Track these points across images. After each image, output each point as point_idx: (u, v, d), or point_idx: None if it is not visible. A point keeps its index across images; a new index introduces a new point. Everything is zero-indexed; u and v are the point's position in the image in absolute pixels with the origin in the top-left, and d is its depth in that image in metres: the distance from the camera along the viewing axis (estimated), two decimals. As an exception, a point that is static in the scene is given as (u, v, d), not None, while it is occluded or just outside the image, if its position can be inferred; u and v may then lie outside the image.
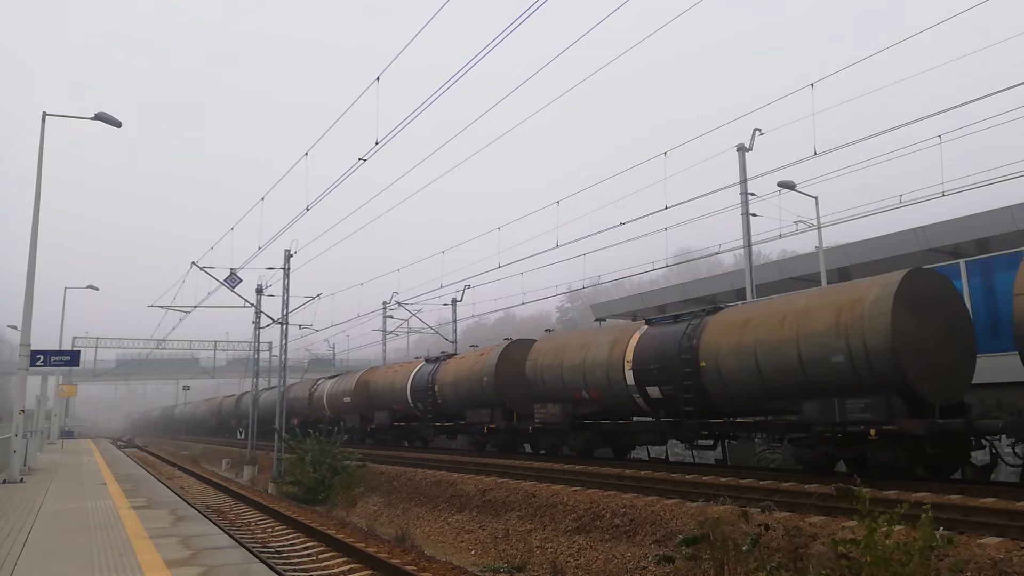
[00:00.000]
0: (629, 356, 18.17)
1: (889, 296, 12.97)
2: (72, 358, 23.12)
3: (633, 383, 17.95)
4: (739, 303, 19.93)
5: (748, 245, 23.58)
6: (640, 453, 22.58)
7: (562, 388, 20.61)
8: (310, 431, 25.39)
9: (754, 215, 23.67)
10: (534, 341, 24.01)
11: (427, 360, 30.54)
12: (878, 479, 12.38)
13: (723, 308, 17.27)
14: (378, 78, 17.37)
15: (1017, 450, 13.13)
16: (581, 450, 20.67)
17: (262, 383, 40.72)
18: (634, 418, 19.39)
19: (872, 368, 12.94)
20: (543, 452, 22.87)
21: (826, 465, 14.51)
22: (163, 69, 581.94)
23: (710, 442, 18.25)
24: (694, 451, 19.46)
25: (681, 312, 18.52)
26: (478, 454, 25.64)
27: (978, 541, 8.52)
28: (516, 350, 24.38)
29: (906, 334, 12.78)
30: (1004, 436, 12.71)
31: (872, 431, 12.98)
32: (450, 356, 29.23)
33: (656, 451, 22.63)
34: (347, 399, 36.17)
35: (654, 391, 17.48)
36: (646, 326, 18.74)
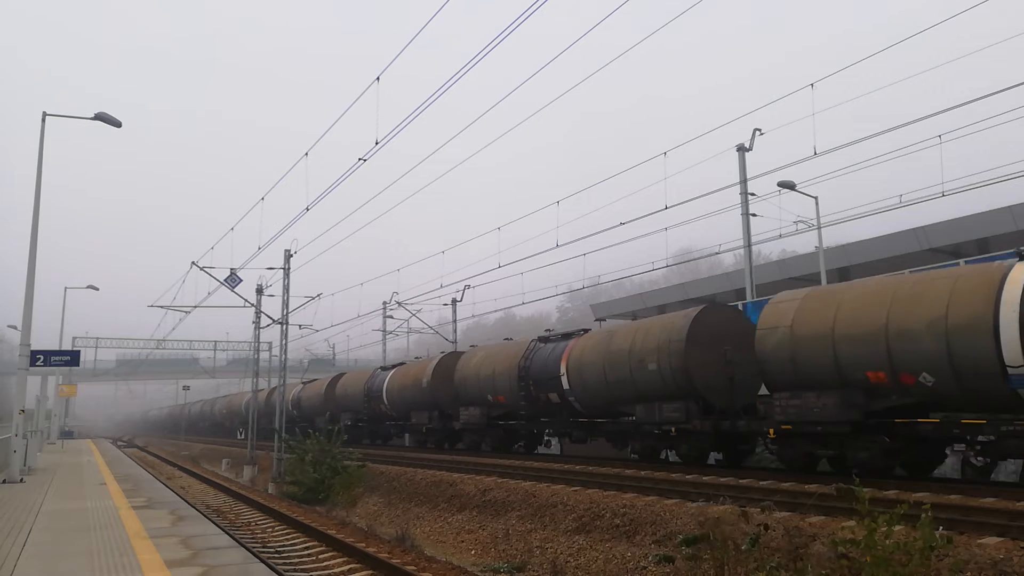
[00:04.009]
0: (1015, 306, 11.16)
1: None
2: (72, 358, 23.14)
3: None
4: None
5: (748, 245, 23.59)
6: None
7: (835, 371, 13.57)
8: (307, 431, 25.27)
9: (754, 215, 23.71)
10: (732, 307, 18.20)
11: (541, 339, 24.00)
12: (878, 479, 12.31)
13: None
14: (378, 78, 17.37)
15: None
16: (876, 465, 13.39)
17: (263, 383, 40.57)
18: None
19: None
20: (784, 468, 15.48)
21: None
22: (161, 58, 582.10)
23: None
24: None
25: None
26: (478, 454, 25.46)
27: (978, 541, 8.52)
28: (712, 318, 17.56)
29: None
30: None
31: None
32: (582, 332, 22.47)
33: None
34: (419, 391, 29.54)
35: None
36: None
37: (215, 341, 78.08)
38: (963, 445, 13.13)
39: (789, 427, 14.26)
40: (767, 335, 14.73)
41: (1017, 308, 11.16)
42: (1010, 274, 11.65)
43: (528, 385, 22.44)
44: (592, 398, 20.04)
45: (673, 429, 17.29)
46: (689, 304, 32.87)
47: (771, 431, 14.75)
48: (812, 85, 18.88)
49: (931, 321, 12.10)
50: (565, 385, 20.73)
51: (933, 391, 12.44)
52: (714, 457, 18.47)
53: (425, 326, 46.08)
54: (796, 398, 14.12)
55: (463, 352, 29.27)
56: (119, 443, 66.98)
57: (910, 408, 13.11)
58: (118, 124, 20.86)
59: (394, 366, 34.81)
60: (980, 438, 12.43)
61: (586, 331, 22.55)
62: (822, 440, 14.08)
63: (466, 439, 27.76)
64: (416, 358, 37.41)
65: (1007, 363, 11.26)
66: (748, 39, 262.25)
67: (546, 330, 25.46)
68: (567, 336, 22.57)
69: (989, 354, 11.41)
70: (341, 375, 41.62)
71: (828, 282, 25.35)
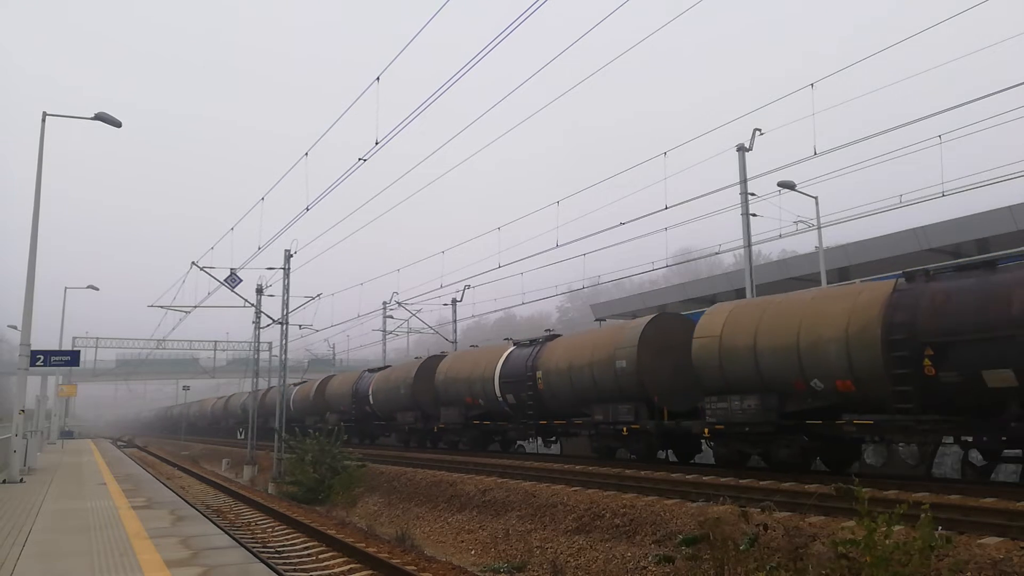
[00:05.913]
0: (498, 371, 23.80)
1: (636, 335, 17.98)
2: (72, 358, 23.14)
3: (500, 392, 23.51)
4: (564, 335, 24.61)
5: (748, 245, 23.54)
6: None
7: (459, 394, 27.07)
8: (308, 432, 25.30)
9: (754, 215, 23.63)
10: (443, 355, 25.37)
11: (368, 371, 35.65)
12: (878, 479, 12.37)
13: (557, 336, 23.22)
14: (378, 78, 17.36)
15: None
16: (477, 443, 26.67)
17: (263, 383, 40.74)
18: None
19: (628, 384, 18.18)
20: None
21: (608, 454, 20.04)
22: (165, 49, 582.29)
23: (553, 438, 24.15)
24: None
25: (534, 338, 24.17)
26: (478, 454, 25.58)
27: (978, 541, 8.52)
28: (431, 364, 29.83)
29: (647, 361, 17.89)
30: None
31: (624, 428, 18.38)
32: (388, 367, 30.53)
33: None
34: (309, 403, 36.98)
35: (511, 398, 22.99)
36: (513, 347, 24.17)
37: (215, 341, 78.08)
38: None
39: (443, 425, 27.80)
40: (439, 376, 27.72)
41: (501, 370, 23.49)
42: (502, 355, 23.97)
43: (357, 399, 35.69)
44: (383, 408, 33.31)
45: (407, 427, 31.37)
46: (689, 304, 32.96)
47: (436, 427, 28.80)
48: (812, 85, 18.87)
49: (481, 375, 24.79)
50: (371, 400, 33.93)
51: (491, 407, 24.85)
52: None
53: (425, 326, 46.10)
54: (448, 410, 27.18)
55: (334, 375, 43.27)
56: (119, 443, 66.97)
57: (490, 415, 25.28)
58: (118, 124, 20.84)
59: (299, 383, 47.39)
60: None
61: (389, 367, 35.64)
62: (456, 433, 27.44)
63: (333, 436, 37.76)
64: (417, 358, 37.58)
65: (498, 395, 23.88)
66: (748, 42, 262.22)
67: (385, 365, 37.23)
68: (379, 369, 35.58)
69: (493, 391, 24.10)
70: (270, 388, 48.66)
71: (828, 282, 25.43)
